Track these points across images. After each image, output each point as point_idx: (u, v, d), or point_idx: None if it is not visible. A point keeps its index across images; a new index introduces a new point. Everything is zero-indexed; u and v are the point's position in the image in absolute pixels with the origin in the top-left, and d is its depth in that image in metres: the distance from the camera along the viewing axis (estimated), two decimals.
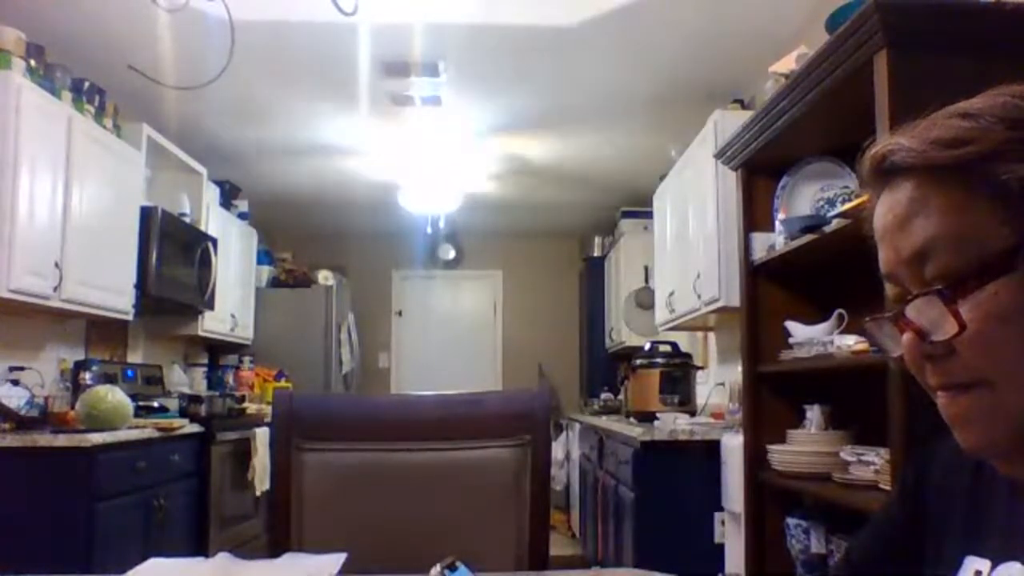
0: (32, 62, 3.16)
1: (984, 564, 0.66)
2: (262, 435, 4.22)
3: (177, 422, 3.60)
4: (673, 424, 3.42)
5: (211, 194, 4.95)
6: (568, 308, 7.21)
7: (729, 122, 3.19)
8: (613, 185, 5.65)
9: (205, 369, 5.30)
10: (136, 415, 3.41)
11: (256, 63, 3.61)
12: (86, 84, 3.57)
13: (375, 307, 7.13)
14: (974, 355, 0.58)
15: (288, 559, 1.25)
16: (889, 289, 0.65)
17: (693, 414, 3.83)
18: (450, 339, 7.25)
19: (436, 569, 1.02)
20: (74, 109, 3.41)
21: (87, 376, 3.71)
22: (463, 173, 5.26)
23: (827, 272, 2.40)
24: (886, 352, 0.67)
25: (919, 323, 0.61)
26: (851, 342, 2.03)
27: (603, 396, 5.66)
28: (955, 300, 0.58)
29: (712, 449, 3.12)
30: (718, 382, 4.02)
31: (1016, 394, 0.58)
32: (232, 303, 5.25)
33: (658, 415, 3.66)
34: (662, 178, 4.40)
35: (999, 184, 0.57)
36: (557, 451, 5.97)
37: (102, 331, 4.15)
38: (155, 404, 3.86)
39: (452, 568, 1.02)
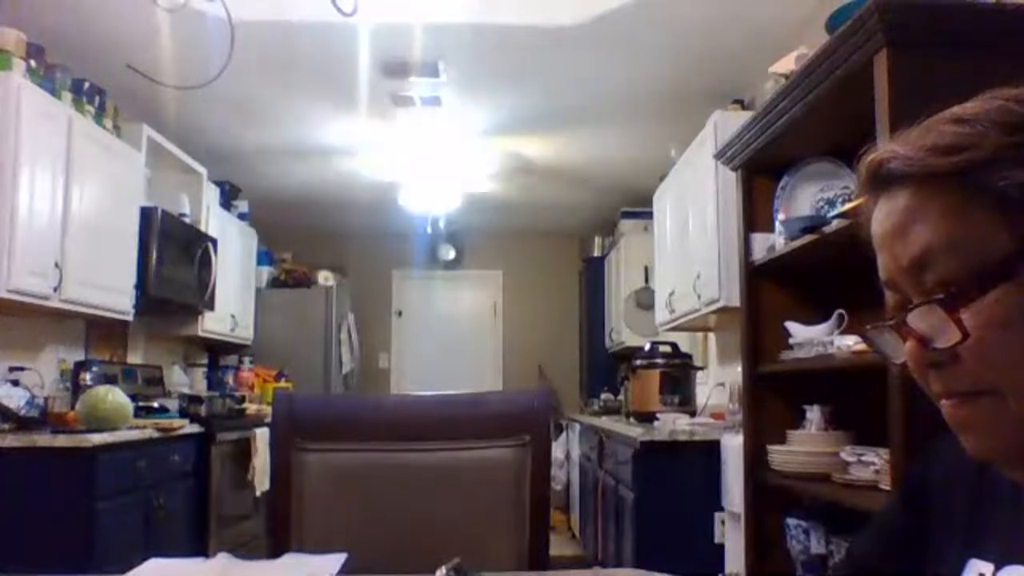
0: (32, 62, 3.16)
1: (988, 567, 0.65)
2: (262, 435, 4.22)
3: (177, 422, 3.60)
4: (673, 424, 3.42)
5: (211, 194, 4.95)
6: (568, 308, 7.20)
7: (729, 122, 3.19)
8: (613, 185, 5.65)
9: (205, 369, 5.30)
10: (136, 415, 3.41)
11: (256, 63, 3.61)
12: (86, 84, 3.57)
13: (375, 307, 7.12)
14: (978, 362, 0.58)
15: (288, 559, 1.25)
16: (889, 297, 0.65)
17: (693, 414, 3.83)
18: (450, 339, 7.24)
19: (442, 571, 0.99)
20: (74, 109, 3.41)
21: (87, 376, 3.71)
22: (463, 173, 5.26)
23: (827, 272, 2.39)
24: (888, 359, 0.66)
25: (921, 330, 0.60)
26: (851, 342, 2.02)
27: (603, 396, 5.66)
28: (956, 308, 0.57)
29: (712, 449, 3.12)
30: (718, 382, 4.02)
31: (1022, 400, 0.58)
32: (232, 303, 5.25)
33: (658, 415, 3.66)
34: (662, 178, 4.40)
35: (997, 190, 0.57)
36: (557, 451, 5.97)
37: (102, 331, 4.15)
38: (155, 404, 3.86)
39: (459, 571, 0.99)
